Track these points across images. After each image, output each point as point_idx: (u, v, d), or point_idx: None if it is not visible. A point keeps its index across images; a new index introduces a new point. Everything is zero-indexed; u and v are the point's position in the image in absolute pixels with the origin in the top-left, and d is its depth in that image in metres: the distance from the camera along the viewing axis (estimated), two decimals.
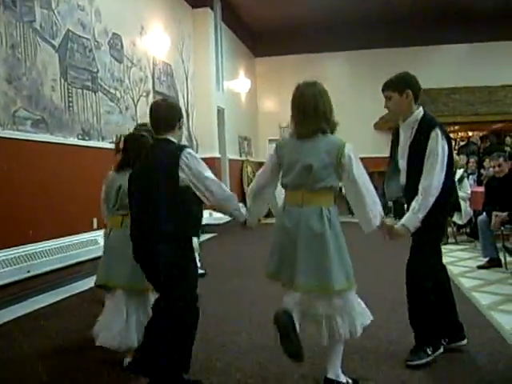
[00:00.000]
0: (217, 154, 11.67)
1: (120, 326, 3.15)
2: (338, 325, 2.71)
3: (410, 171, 3.24)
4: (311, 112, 2.77)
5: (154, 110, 2.96)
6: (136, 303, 3.25)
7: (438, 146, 3.06)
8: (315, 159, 2.73)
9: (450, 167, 3.18)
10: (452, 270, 6.02)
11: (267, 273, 2.91)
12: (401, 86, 3.21)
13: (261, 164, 3.54)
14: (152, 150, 2.94)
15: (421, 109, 3.26)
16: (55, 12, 6.32)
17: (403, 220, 3.10)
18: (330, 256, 2.68)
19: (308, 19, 14.29)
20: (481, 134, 13.98)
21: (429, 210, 3.03)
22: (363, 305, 2.85)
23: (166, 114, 2.91)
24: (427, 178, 3.06)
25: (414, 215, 3.05)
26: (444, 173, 3.07)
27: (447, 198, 3.21)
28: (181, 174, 2.75)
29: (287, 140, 3.00)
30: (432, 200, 3.03)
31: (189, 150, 2.82)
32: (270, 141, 15.04)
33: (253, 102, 15.71)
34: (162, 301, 2.83)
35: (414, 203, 3.07)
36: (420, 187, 3.06)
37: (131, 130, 3.91)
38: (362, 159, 2.79)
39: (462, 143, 14.83)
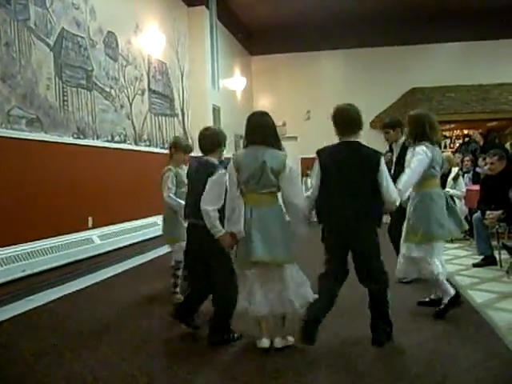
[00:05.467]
0: None
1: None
2: None
3: None
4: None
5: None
6: None
7: None
8: None
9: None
10: (447, 268, 6.02)
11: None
12: None
13: None
14: None
15: None
16: (50, 10, 6.29)
17: None
18: None
19: (304, 18, 14.28)
20: (480, 131, 13.93)
21: None
22: None
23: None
24: None
25: None
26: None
27: None
28: None
29: None
30: None
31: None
32: None
33: (249, 100, 15.69)
34: None
35: None
36: None
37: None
38: None
39: (458, 142, 14.90)
